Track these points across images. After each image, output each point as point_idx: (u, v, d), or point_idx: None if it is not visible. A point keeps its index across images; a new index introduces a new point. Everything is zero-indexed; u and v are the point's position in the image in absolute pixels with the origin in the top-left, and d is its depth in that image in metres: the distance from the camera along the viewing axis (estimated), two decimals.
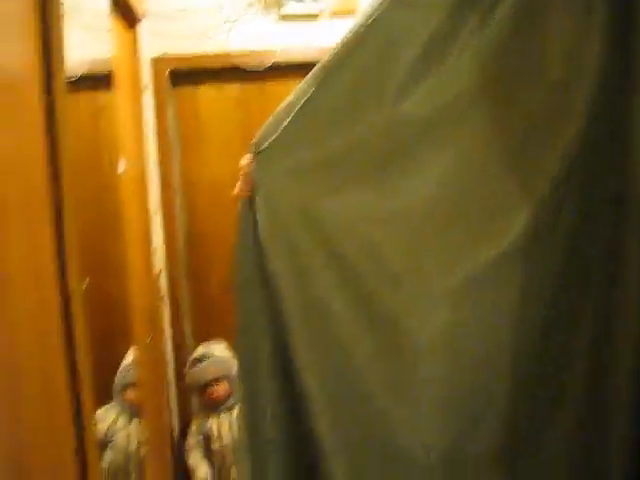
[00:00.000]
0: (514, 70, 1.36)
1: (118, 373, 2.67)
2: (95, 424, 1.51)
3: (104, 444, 2.57)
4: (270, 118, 1.47)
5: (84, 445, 1.44)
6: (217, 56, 3.01)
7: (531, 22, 1.33)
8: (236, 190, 1.51)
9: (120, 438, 2.67)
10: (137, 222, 2.38)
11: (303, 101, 1.43)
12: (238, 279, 1.51)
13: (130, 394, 2.70)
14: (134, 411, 2.69)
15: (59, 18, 1.41)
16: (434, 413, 1.42)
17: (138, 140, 2.48)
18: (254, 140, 1.48)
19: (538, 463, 1.40)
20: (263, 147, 1.46)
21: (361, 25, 1.39)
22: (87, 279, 1.45)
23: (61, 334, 1.40)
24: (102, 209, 2.89)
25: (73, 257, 1.40)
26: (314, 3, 2.98)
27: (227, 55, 3.01)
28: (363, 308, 1.45)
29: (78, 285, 1.43)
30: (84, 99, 2.32)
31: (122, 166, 2.34)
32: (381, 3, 1.38)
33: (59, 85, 1.40)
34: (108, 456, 2.59)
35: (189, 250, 3.33)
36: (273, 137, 1.45)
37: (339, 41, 1.42)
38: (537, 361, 1.39)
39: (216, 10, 2.99)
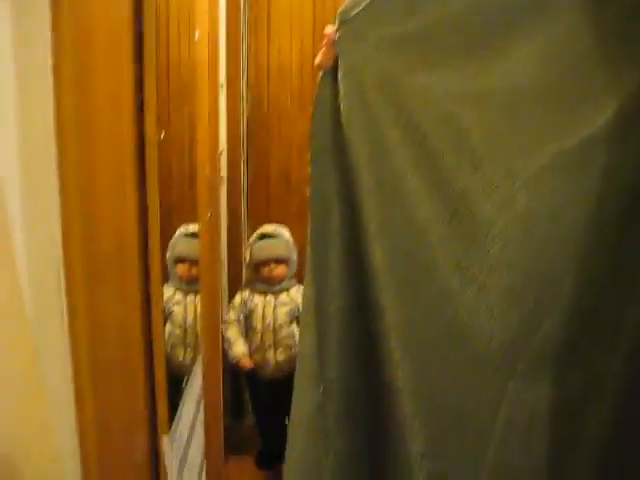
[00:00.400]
0: None
1: (169, 246, 2.75)
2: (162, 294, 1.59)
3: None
4: None
5: (151, 316, 1.55)
6: None
7: None
8: (317, 59, 1.48)
9: (177, 312, 2.80)
10: (207, 95, 2.40)
11: None
12: (314, 147, 1.51)
13: (181, 268, 2.82)
14: (188, 285, 2.81)
15: None
16: (500, 301, 1.41)
17: (212, 10, 2.47)
18: (340, 9, 1.44)
19: (590, 381, 1.40)
20: (349, 16, 1.42)
21: None
22: (163, 131, 1.49)
23: (135, 180, 1.47)
24: (175, 75, 2.94)
25: (151, 105, 1.45)
26: None
27: None
28: (439, 188, 1.44)
29: (154, 135, 1.48)
30: None
31: (197, 35, 2.35)
32: None
33: None
34: (167, 329, 2.72)
35: (252, 133, 3.36)
36: (361, 7, 1.41)
37: None
38: (606, 268, 1.36)
39: None
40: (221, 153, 3.09)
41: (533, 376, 1.42)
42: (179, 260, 2.79)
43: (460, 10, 1.39)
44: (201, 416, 2.49)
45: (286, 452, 1.61)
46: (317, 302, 1.56)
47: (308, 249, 1.57)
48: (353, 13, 1.42)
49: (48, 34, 1.04)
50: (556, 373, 1.42)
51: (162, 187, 1.62)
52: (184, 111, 3.02)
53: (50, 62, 1.04)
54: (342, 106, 1.47)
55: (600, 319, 1.40)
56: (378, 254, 1.48)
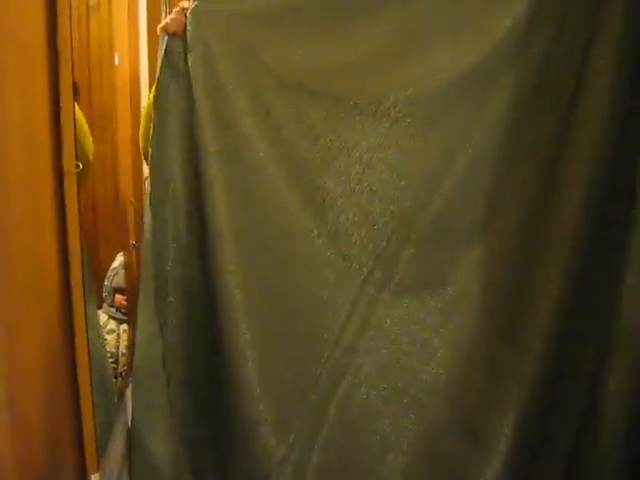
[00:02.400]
0: None
1: (106, 278, 2.70)
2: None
3: None
4: None
5: (74, 345, 1.51)
6: None
7: None
8: (164, 23, 1.51)
9: (110, 340, 2.73)
10: (130, 120, 2.36)
11: None
12: (158, 111, 1.52)
13: (119, 298, 2.74)
14: (124, 315, 2.74)
15: None
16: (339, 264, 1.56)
17: (132, 33, 2.43)
18: None
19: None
20: None
21: None
22: (80, 165, 1.47)
23: (54, 215, 1.43)
24: (95, 101, 2.88)
25: (69, 138, 1.41)
26: None
27: None
28: (282, 158, 1.54)
29: (71, 166, 1.44)
30: None
31: (116, 59, 2.32)
32: None
33: None
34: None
35: None
36: None
37: None
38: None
39: None
40: (146, 179, 3.03)
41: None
42: (118, 290, 2.73)
43: None
44: None
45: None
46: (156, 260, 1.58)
47: (147, 211, 1.58)
48: None
49: None
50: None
51: (87, 216, 1.59)
52: (107, 135, 2.97)
53: None
54: (191, 72, 1.51)
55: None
56: (221, 219, 1.54)
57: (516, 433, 1.46)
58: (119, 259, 2.74)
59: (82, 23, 2.94)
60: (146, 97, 2.90)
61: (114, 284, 2.70)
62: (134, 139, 2.37)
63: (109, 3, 3.10)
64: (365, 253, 1.55)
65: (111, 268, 2.71)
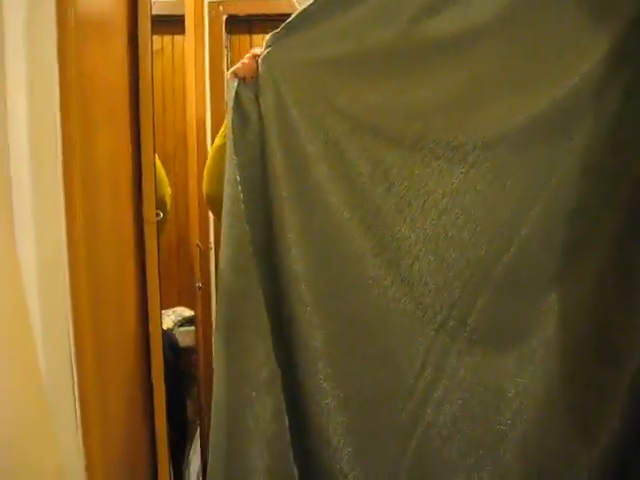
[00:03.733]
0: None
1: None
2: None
3: None
4: (292, 17, 1.49)
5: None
6: (276, 2, 3.00)
7: None
8: (235, 68, 1.51)
9: None
10: (196, 163, 2.42)
11: (327, 5, 1.47)
12: (230, 155, 1.50)
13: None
14: None
15: None
16: (414, 309, 1.53)
17: (199, 78, 2.51)
18: (272, 33, 1.50)
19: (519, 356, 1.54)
20: (280, 38, 1.48)
21: None
22: (161, 214, 1.51)
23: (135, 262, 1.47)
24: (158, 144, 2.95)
25: (149, 189, 1.46)
26: None
27: (286, 1, 2.98)
28: (355, 204, 1.51)
29: (151, 215, 1.49)
30: None
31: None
32: None
33: (144, 17, 1.45)
34: None
35: None
36: (293, 30, 1.48)
37: None
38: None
39: None
40: (211, 218, 3.08)
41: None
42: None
43: (388, 40, 1.47)
44: None
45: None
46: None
47: (222, 257, 1.53)
48: (284, 35, 1.49)
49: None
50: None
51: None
52: (170, 177, 3.04)
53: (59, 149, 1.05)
54: (263, 120, 1.50)
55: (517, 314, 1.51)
56: (297, 265, 1.51)
57: None
58: (169, 318, 2.74)
59: None
60: (210, 141, 2.99)
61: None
62: (200, 183, 2.43)
63: (172, 47, 3.21)
64: (439, 301, 1.52)
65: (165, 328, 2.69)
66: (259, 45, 3.12)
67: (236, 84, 1.51)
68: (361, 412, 1.54)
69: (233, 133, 1.50)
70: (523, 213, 1.49)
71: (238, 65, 1.51)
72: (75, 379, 1.12)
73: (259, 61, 1.50)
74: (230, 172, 1.50)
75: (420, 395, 1.53)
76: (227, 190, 1.51)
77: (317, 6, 1.46)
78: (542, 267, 1.50)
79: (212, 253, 2.96)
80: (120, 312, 1.43)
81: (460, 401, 1.53)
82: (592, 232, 1.49)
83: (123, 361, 1.44)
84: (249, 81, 1.51)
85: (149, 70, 1.52)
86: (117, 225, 1.39)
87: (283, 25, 1.48)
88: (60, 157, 1.07)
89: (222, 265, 1.53)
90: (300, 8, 1.51)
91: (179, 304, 2.93)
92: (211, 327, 2.67)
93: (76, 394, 1.12)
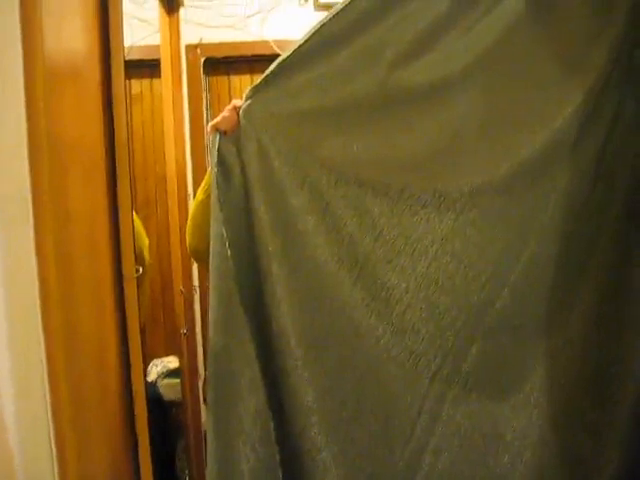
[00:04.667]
0: (524, 46, 1.43)
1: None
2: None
3: None
4: (271, 67, 1.47)
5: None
6: (252, 44, 3.00)
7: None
8: (215, 121, 1.48)
9: None
10: (177, 207, 2.39)
11: (306, 55, 1.45)
12: (214, 210, 1.47)
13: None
14: None
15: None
16: (407, 357, 1.50)
17: (177, 123, 2.49)
18: (253, 84, 1.48)
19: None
20: (261, 89, 1.47)
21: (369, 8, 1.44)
22: (140, 270, 1.47)
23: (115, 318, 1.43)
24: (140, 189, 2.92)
25: (127, 241, 1.42)
26: None
27: (262, 43, 3.00)
28: (343, 255, 1.49)
29: (130, 272, 1.45)
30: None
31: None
32: None
33: (117, 68, 1.42)
34: None
35: None
36: (273, 83, 1.46)
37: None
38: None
39: None
40: (193, 263, 3.04)
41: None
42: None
43: (364, 92, 1.46)
44: None
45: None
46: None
47: (211, 312, 1.50)
48: (264, 87, 1.46)
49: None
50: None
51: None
52: (152, 221, 3.01)
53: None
54: (246, 173, 1.48)
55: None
56: (285, 319, 1.48)
57: None
58: (154, 369, 2.67)
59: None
60: (191, 183, 2.97)
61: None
62: (182, 226, 2.39)
63: (151, 91, 3.20)
64: (433, 349, 1.49)
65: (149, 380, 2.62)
66: (237, 87, 3.14)
67: (217, 138, 1.48)
68: (357, 464, 1.50)
69: (217, 188, 1.46)
70: (514, 257, 1.47)
71: (218, 118, 1.49)
72: (52, 436, 1.07)
73: (240, 114, 1.48)
74: (216, 228, 1.47)
75: (417, 443, 1.50)
76: (214, 247, 1.47)
77: (295, 57, 1.45)
78: (534, 311, 1.48)
79: (197, 297, 2.92)
80: (101, 370, 1.38)
81: (457, 447, 1.49)
82: (582, 275, 1.48)
83: (105, 419, 1.38)
84: (230, 134, 1.48)
85: (124, 122, 1.49)
86: (95, 282, 1.35)
87: (262, 77, 1.47)
88: (31, 217, 1.03)
89: (211, 324, 1.49)
90: (279, 54, 1.49)
91: (166, 351, 2.88)
92: (197, 375, 2.61)
93: (54, 452, 1.07)
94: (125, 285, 1.41)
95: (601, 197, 1.46)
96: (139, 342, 1.47)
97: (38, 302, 1.07)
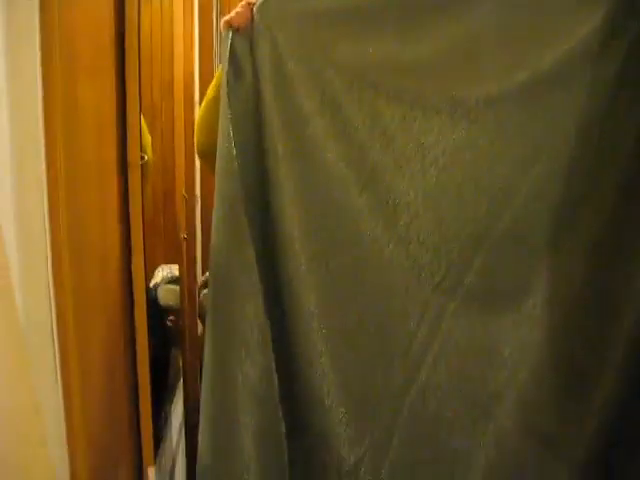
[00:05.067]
0: None
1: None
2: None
3: None
4: None
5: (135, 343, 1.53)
6: None
7: None
8: (229, 17, 1.44)
9: None
10: (183, 113, 2.36)
11: None
12: (223, 109, 1.44)
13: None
14: None
15: None
16: (410, 268, 1.49)
17: (187, 28, 2.44)
18: None
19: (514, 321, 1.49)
20: None
21: None
22: (145, 157, 1.47)
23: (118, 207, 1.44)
24: (145, 93, 2.89)
25: (134, 132, 1.42)
26: None
27: None
28: (352, 160, 1.47)
29: (135, 158, 1.45)
30: None
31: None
32: None
33: None
34: None
35: None
36: None
37: None
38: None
39: None
40: (197, 170, 3.04)
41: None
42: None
43: None
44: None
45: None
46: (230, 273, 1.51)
47: (215, 213, 1.50)
48: None
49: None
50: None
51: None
52: (156, 126, 2.98)
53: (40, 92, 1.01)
54: (259, 72, 1.45)
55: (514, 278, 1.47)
56: (291, 222, 1.48)
57: (594, 442, 1.41)
58: (160, 274, 2.64)
59: None
60: (198, 91, 2.93)
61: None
62: (188, 134, 2.38)
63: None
64: (437, 260, 1.48)
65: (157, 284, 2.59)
66: None
67: (230, 34, 1.44)
68: (356, 372, 1.52)
69: (227, 85, 1.44)
70: (525, 170, 1.44)
71: (232, 14, 1.44)
72: (54, 320, 1.09)
73: (254, 10, 1.43)
74: (224, 127, 1.45)
75: (415, 356, 1.51)
76: (220, 147, 1.46)
77: None
78: (542, 226, 1.46)
79: (198, 205, 2.93)
80: (103, 258, 1.40)
81: (455, 362, 1.50)
82: (588, 197, 1.45)
83: (105, 309, 1.41)
84: (243, 31, 1.44)
85: (135, 15, 1.47)
86: (101, 167, 1.35)
87: None
88: (41, 103, 1.03)
89: (215, 223, 1.49)
90: None
91: (165, 259, 2.90)
92: (196, 282, 2.64)
93: (55, 335, 1.10)
94: (130, 172, 1.41)
95: (616, 124, 1.42)
96: (141, 230, 1.47)
97: (45, 184, 1.07)
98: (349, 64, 1.45)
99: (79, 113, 1.22)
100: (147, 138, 2.02)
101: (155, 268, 2.69)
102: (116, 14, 1.42)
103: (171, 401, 2.36)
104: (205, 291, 2.68)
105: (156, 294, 2.54)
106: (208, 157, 1.57)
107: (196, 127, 1.65)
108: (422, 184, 1.46)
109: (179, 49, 2.42)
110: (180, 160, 2.37)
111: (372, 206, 1.48)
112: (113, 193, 1.41)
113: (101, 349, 1.35)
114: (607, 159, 1.43)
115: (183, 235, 2.40)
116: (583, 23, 1.37)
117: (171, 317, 2.52)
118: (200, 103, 2.88)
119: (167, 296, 2.56)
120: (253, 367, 1.48)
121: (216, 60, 3.03)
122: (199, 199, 2.99)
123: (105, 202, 1.39)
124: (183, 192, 2.39)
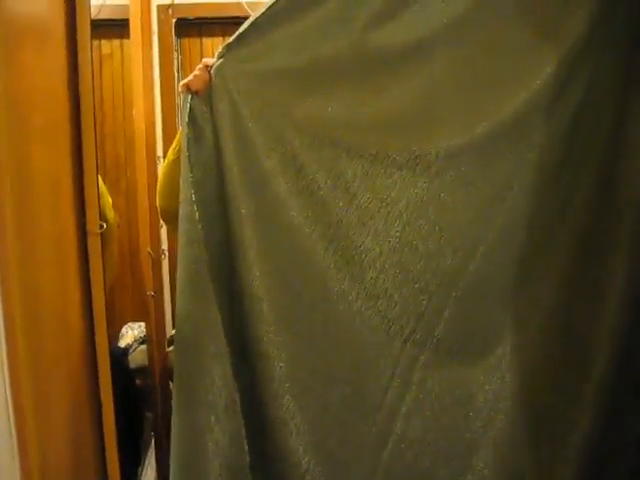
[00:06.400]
0: (501, 11, 1.43)
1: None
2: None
3: None
4: (244, 26, 1.43)
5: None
6: (225, 5, 2.94)
7: None
8: (187, 80, 1.44)
9: None
10: (146, 168, 2.35)
11: (279, 14, 1.42)
12: (184, 173, 1.44)
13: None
14: None
15: None
16: (379, 323, 1.50)
17: (147, 83, 2.44)
18: (226, 42, 1.44)
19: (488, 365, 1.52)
20: (233, 48, 1.43)
21: None
22: (104, 225, 1.45)
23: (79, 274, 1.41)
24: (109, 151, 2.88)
25: (92, 195, 1.40)
26: None
27: (235, 5, 2.94)
28: (316, 218, 1.47)
29: (94, 226, 1.43)
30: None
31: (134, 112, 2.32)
32: None
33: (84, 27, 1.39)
34: None
35: None
36: (248, 41, 1.43)
37: None
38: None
39: None
40: (162, 225, 3.01)
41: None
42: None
43: (337, 54, 1.44)
44: None
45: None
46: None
47: (179, 277, 1.48)
48: (236, 46, 1.43)
49: None
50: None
51: None
52: (122, 183, 2.97)
53: None
54: (218, 133, 1.44)
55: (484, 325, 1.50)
56: (257, 283, 1.46)
57: None
58: (130, 332, 2.63)
59: (95, 72, 2.95)
60: (161, 146, 2.93)
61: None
62: (151, 189, 2.36)
63: (122, 51, 3.13)
64: (406, 313, 1.49)
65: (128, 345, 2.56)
66: (209, 50, 3.08)
67: (189, 97, 1.44)
68: (330, 430, 1.50)
69: (188, 149, 1.43)
70: (487, 221, 1.46)
71: (190, 77, 1.44)
72: (10, 403, 1.06)
73: (212, 72, 1.43)
74: (185, 190, 1.44)
75: (389, 409, 1.50)
76: (182, 210, 1.44)
77: (268, 15, 1.41)
78: (507, 275, 1.48)
79: (165, 262, 2.90)
80: (64, 327, 1.37)
81: (429, 412, 1.50)
82: (552, 239, 1.47)
83: (68, 376, 1.38)
84: (202, 94, 1.44)
85: (89, 78, 1.45)
86: (58, 237, 1.33)
87: (235, 35, 1.43)
88: None
89: (179, 287, 1.47)
90: (251, 14, 1.46)
91: (133, 316, 2.86)
92: (165, 339, 2.60)
93: (11, 419, 1.06)
94: (89, 240, 1.39)
95: (576, 162, 1.46)
96: (103, 301, 1.45)
97: None
98: (308, 122, 1.45)
99: (32, 181, 1.20)
100: (107, 200, 1.99)
101: (123, 325, 2.65)
102: (69, 81, 1.41)
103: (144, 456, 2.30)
104: (171, 348, 2.65)
105: (127, 356, 2.49)
106: (171, 220, 1.56)
107: (158, 191, 1.63)
108: (387, 239, 1.47)
109: (138, 104, 2.41)
110: (144, 216, 2.35)
111: (338, 262, 1.47)
112: (73, 262, 1.39)
113: (66, 424, 1.31)
114: (566, 207, 1.46)
115: (150, 292, 2.37)
116: (537, 72, 1.40)
117: (139, 379, 2.46)
118: (164, 157, 2.88)
119: (140, 357, 2.52)
120: (222, 433, 1.45)
121: (178, 117, 3.03)
122: (167, 253, 2.96)
123: (65, 271, 1.36)
124: (148, 249, 2.36)
